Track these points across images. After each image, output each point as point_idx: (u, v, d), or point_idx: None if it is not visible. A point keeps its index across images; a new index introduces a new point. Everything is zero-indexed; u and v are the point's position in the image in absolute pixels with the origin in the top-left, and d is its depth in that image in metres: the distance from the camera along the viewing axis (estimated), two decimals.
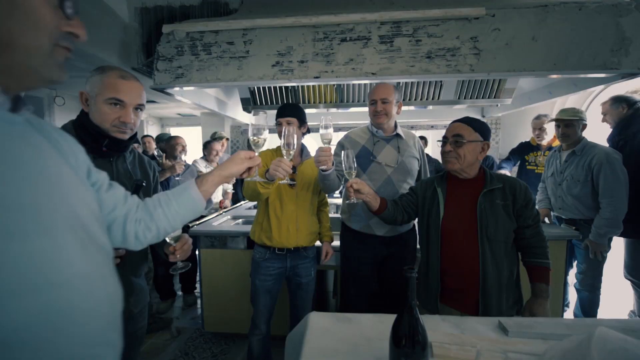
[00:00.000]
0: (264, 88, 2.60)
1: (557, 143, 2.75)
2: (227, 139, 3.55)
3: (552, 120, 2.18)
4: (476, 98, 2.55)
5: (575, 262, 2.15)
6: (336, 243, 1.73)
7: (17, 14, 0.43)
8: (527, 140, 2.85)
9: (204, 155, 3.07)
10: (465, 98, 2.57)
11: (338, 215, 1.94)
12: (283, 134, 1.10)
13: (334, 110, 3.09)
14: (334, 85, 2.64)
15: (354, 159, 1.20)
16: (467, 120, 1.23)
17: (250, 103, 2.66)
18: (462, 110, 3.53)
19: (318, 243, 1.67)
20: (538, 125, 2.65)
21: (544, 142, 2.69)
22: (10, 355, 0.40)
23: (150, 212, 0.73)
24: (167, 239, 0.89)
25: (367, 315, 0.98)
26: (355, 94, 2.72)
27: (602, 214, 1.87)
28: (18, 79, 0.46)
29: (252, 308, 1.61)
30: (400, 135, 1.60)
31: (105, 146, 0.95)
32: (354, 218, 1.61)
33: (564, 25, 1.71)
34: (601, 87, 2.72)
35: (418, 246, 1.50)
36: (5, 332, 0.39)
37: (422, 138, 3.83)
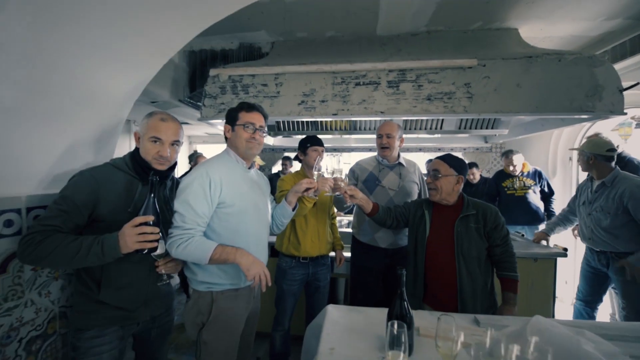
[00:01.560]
0: (289, 122, 2.99)
1: (527, 168, 3.06)
2: None
3: (574, 149, 2.42)
4: (475, 128, 2.85)
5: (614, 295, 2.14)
6: (347, 254, 2.03)
7: None
8: (501, 169, 3.25)
9: None
10: (465, 128, 2.88)
11: (349, 230, 2.25)
12: (317, 159, 1.56)
13: (346, 136, 3.45)
14: None
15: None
16: (444, 158, 1.53)
17: (274, 129, 3.05)
18: (465, 137, 3.82)
19: (331, 254, 1.99)
20: (507, 163, 3.08)
21: (517, 172, 3.10)
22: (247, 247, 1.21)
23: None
24: (153, 255, 1.12)
25: (373, 308, 1.28)
26: (364, 123, 3.07)
27: None
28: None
29: (276, 309, 1.90)
30: (402, 164, 1.92)
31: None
32: (362, 232, 1.92)
33: (545, 74, 2.02)
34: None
35: None
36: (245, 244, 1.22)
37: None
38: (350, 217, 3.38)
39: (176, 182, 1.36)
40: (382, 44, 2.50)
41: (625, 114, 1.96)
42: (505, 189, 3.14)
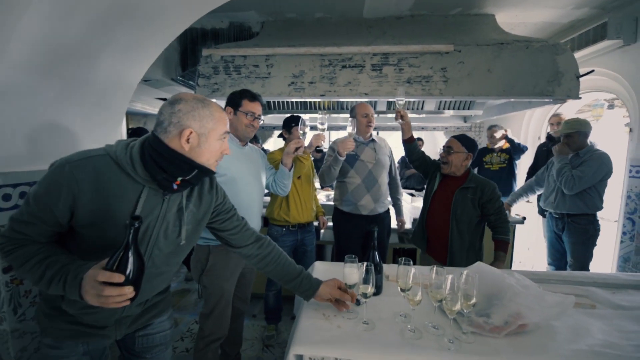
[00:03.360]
0: (279, 102, 3.11)
1: (506, 145, 3.33)
2: None
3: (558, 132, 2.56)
4: (453, 109, 3.06)
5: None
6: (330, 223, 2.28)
7: None
8: (485, 146, 3.53)
9: None
10: (444, 109, 3.09)
11: (331, 203, 2.48)
12: (301, 120, 1.81)
13: (334, 115, 3.62)
14: None
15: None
16: (458, 137, 1.79)
17: (265, 108, 3.18)
18: (447, 116, 4.04)
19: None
20: (490, 134, 3.34)
21: (497, 146, 3.38)
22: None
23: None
24: None
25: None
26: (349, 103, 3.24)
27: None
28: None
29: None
30: (374, 140, 2.13)
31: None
32: (345, 202, 2.13)
33: (513, 60, 2.22)
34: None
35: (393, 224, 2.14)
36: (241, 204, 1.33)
37: (419, 139, 4.40)
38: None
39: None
40: (369, 26, 2.62)
41: (580, 98, 2.20)
42: (484, 164, 3.44)
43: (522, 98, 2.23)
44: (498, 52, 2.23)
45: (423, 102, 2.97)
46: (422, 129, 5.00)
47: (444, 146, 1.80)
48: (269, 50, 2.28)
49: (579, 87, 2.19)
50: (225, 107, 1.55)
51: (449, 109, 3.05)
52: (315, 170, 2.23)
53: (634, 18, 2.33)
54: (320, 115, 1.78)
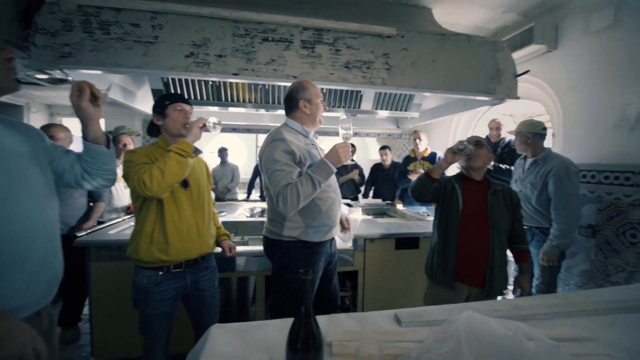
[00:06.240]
0: (180, 80, 2.38)
1: (427, 153, 3.26)
2: (139, 135, 3.13)
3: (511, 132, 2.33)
4: (391, 110, 2.80)
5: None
6: (256, 247, 1.67)
7: None
8: (408, 154, 3.44)
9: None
10: (381, 109, 2.81)
11: (263, 219, 1.87)
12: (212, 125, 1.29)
13: (262, 111, 3.02)
14: (259, 85, 2.58)
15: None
16: (480, 138, 1.65)
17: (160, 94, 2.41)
18: (382, 120, 3.84)
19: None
20: (414, 138, 3.23)
21: (419, 152, 3.26)
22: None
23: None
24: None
25: (275, 321, 0.96)
26: (281, 96, 2.71)
27: (555, 225, 1.86)
28: None
29: (143, 336, 1.33)
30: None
31: None
32: (315, 229, 1.39)
33: (456, 53, 2.00)
34: (486, 107, 3.30)
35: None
36: None
37: (352, 145, 4.07)
38: (256, 204, 3.00)
39: None
40: (298, 1, 2.14)
41: (519, 98, 2.10)
42: (409, 172, 3.26)
43: (466, 94, 2.02)
44: (441, 42, 1.98)
45: (361, 96, 2.62)
46: (356, 134, 4.78)
47: (472, 140, 1.61)
48: (157, 5, 1.59)
49: (517, 87, 2.09)
50: None
51: (385, 108, 2.77)
52: (213, 180, 1.57)
53: (554, 25, 2.39)
54: (344, 116, 1.29)
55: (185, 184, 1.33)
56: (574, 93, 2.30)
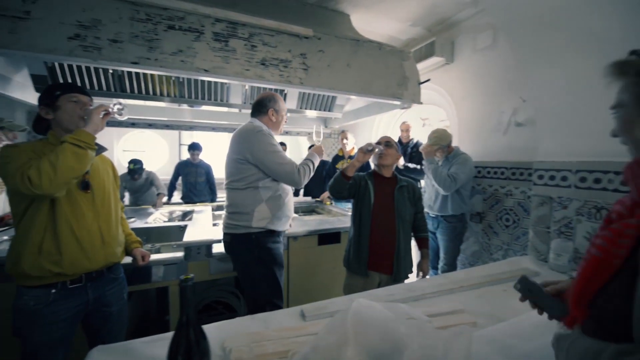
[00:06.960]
0: (70, 67, 2.03)
1: (354, 152, 3.50)
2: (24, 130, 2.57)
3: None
4: (315, 109, 2.87)
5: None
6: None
7: None
8: (337, 153, 3.60)
9: None
10: (306, 108, 2.85)
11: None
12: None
13: (184, 106, 2.78)
14: (172, 78, 2.37)
15: None
16: (390, 138, 1.81)
17: (47, 82, 2.02)
18: (311, 120, 3.91)
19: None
20: (341, 138, 3.40)
21: (347, 151, 3.42)
22: None
23: None
24: None
25: (168, 334, 0.89)
26: (205, 92, 2.53)
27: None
28: None
29: None
30: None
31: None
32: (277, 220, 1.61)
33: (369, 59, 2.14)
34: (402, 110, 3.62)
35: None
36: None
37: (282, 144, 4.04)
38: (175, 208, 2.77)
39: None
40: None
41: (422, 103, 2.36)
42: (337, 170, 3.41)
43: (377, 97, 2.18)
44: (356, 47, 2.10)
45: (285, 94, 2.62)
46: (287, 133, 4.78)
47: (382, 141, 1.79)
48: None
49: (420, 94, 2.34)
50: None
51: (310, 108, 2.82)
52: (117, 182, 1.39)
53: (451, 41, 2.74)
54: (318, 129, 1.25)
55: (86, 186, 1.15)
56: (466, 101, 2.69)
